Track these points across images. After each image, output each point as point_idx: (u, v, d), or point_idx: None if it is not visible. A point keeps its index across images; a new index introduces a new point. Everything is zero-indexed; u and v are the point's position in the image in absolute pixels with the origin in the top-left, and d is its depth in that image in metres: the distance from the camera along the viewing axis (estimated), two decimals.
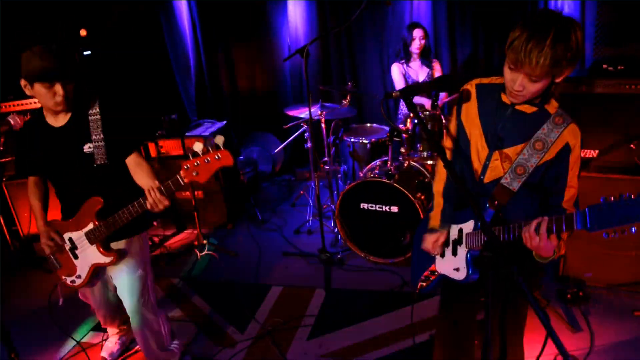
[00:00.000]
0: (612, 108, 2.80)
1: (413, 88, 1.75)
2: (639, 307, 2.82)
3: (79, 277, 2.30)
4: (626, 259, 2.86)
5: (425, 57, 4.17)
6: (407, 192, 3.32)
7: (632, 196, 1.20)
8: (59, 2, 4.06)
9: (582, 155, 1.65)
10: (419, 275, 2.08)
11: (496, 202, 1.68)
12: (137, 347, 2.80)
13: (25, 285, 3.77)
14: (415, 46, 4.06)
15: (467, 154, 1.78)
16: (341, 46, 5.06)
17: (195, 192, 4.19)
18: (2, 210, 3.93)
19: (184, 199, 4.25)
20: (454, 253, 1.83)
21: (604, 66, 2.97)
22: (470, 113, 1.77)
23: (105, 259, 2.22)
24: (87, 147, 2.13)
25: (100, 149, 2.12)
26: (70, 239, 2.25)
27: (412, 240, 3.42)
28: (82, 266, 2.28)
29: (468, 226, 1.77)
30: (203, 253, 3.95)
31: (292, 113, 4.08)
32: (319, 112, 3.86)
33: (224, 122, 4.66)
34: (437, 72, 4.20)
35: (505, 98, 1.67)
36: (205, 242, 4.00)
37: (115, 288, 2.42)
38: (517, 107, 1.64)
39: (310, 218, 4.27)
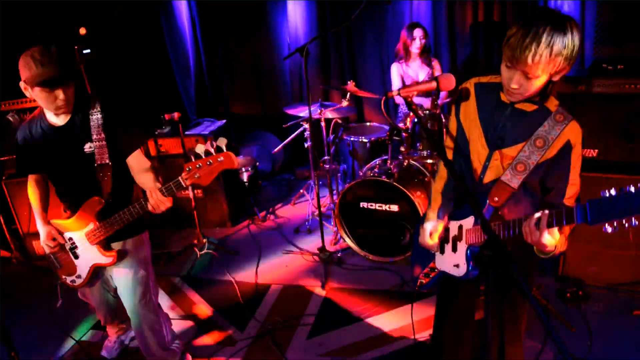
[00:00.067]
0: (612, 107, 2.80)
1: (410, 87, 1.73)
2: (639, 306, 2.83)
3: (79, 276, 2.30)
4: (626, 258, 2.86)
5: (425, 57, 4.17)
6: (406, 191, 3.32)
7: (633, 189, 1.21)
8: (58, 2, 4.06)
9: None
10: (418, 272, 2.08)
11: (496, 199, 1.67)
12: (137, 345, 2.79)
13: (25, 285, 3.76)
14: (416, 46, 4.07)
15: (467, 154, 1.77)
16: (341, 46, 5.06)
17: (195, 191, 4.18)
18: (2, 209, 3.93)
19: (184, 198, 4.25)
20: (454, 249, 1.83)
21: (604, 66, 2.97)
22: (469, 112, 1.76)
23: (106, 259, 2.22)
24: (88, 147, 2.13)
25: (100, 148, 2.12)
26: (70, 239, 2.25)
27: (411, 239, 3.44)
28: (82, 266, 2.28)
29: (468, 222, 1.77)
30: (203, 252, 3.95)
31: (291, 112, 4.08)
32: (319, 111, 3.86)
33: (224, 121, 4.66)
34: (437, 72, 4.20)
35: (504, 97, 1.65)
36: (205, 240, 4.00)
37: (115, 289, 2.41)
38: (517, 105, 1.63)
39: (310, 217, 4.27)
